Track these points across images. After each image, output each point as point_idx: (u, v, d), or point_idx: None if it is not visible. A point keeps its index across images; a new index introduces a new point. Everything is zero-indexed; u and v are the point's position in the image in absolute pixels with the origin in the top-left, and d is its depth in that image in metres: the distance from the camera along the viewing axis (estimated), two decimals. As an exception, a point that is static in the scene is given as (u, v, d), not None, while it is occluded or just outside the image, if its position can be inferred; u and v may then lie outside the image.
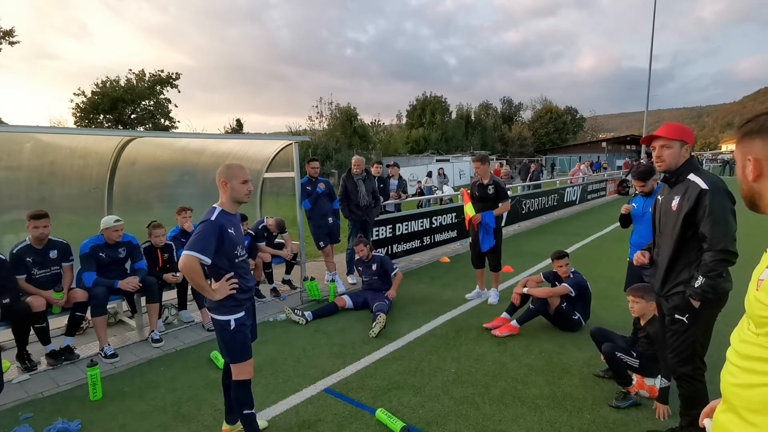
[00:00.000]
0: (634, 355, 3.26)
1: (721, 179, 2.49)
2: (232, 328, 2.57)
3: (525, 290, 4.54)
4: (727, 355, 1.23)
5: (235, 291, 2.57)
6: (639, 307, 3.26)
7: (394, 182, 10.05)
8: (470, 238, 5.60)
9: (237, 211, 2.71)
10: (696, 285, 2.39)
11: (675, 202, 2.53)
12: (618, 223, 4.49)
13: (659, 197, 2.76)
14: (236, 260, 2.61)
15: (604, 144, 47.04)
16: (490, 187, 5.30)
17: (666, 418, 2.96)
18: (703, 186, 2.40)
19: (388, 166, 10.43)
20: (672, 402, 3.07)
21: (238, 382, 2.65)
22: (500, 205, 5.30)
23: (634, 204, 4.16)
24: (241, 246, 2.67)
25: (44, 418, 3.13)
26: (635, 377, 3.26)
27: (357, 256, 5.62)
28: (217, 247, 2.49)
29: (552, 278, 4.65)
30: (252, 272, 5.23)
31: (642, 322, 3.28)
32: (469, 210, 5.41)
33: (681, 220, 2.47)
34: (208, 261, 2.47)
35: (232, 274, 2.58)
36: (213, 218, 2.51)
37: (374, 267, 5.46)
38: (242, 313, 2.62)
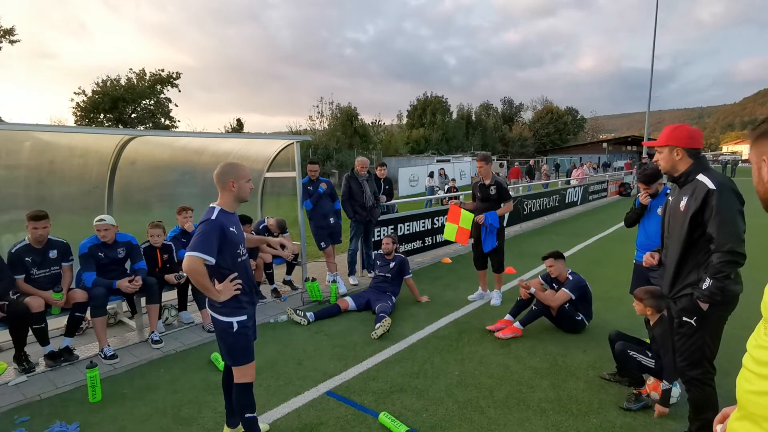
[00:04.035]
0: (650, 355, 3.21)
1: (730, 179, 2.45)
2: (234, 330, 2.53)
3: (533, 291, 4.48)
4: (743, 361, 1.19)
5: (239, 291, 2.53)
6: (638, 309, 3.25)
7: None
8: (473, 239, 5.55)
9: (235, 211, 2.67)
10: (703, 287, 2.35)
11: (683, 203, 2.50)
12: (621, 224, 4.44)
13: (669, 198, 2.73)
14: (239, 259, 2.58)
15: (604, 145, 47.04)
16: (492, 187, 5.26)
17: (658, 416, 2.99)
18: (711, 186, 2.36)
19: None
20: (681, 406, 3.03)
21: (239, 385, 2.60)
22: (503, 205, 5.26)
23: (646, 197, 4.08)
24: (243, 245, 2.64)
25: (42, 421, 3.08)
26: (650, 379, 3.21)
27: (381, 250, 5.67)
28: (219, 247, 2.46)
29: (550, 281, 4.60)
30: (253, 272, 5.19)
31: (651, 323, 3.23)
32: (463, 221, 5.32)
33: (688, 220, 2.44)
34: (212, 261, 2.43)
35: (236, 274, 2.54)
36: (213, 218, 2.48)
37: (392, 265, 5.44)
38: (245, 316, 2.57)
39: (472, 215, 5.33)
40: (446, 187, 15.85)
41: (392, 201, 7.94)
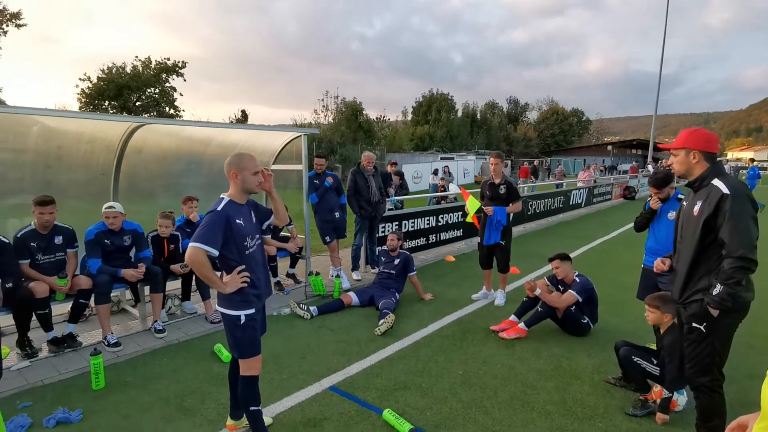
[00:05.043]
0: (655, 362, 3.19)
1: (745, 185, 2.42)
2: (241, 323, 2.51)
3: (538, 292, 4.46)
4: None
5: (246, 284, 2.50)
6: (653, 317, 3.18)
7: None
8: (478, 238, 5.52)
9: (246, 201, 2.63)
10: (714, 293, 2.32)
11: (697, 207, 2.47)
12: (626, 228, 4.42)
13: (684, 202, 2.69)
14: (246, 252, 2.54)
15: (609, 147, 46.87)
16: (501, 186, 5.22)
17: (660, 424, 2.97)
18: (725, 191, 2.33)
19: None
20: (688, 413, 3.01)
21: (245, 378, 2.59)
22: (511, 204, 5.23)
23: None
24: (251, 237, 2.58)
25: (44, 407, 3.08)
26: (657, 386, 3.19)
27: (385, 246, 5.66)
28: (225, 239, 2.43)
29: (555, 282, 4.58)
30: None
31: (661, 331, 3.20)
32: (471, 206, 5.35)
33: (701, 225, 2.41)
34: (215, 253, 2.40)
35: (244, 267, 2.51)
36: (219, 209, 2.45)
37: (396, 262, 5.42)
38: (252, 309, 2.55)
39: (479, 203, 5.31)
40: (434, 186, 15.67)
41: (401, 197, 7.94)
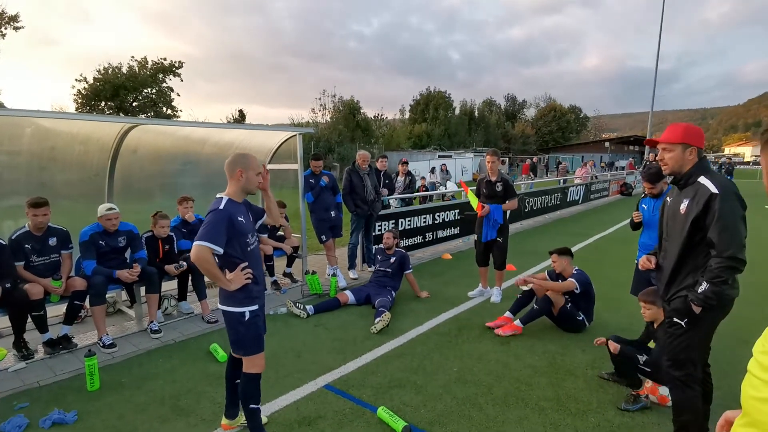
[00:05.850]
0: (646, 357, 3.20)
1: (733, 183, 2.41)
2: (246, 319, 2.53)
3: (530, 286, 4.48)
4: (748, 367, 1.16)
5: (250, 280, 2.53)
6: (650, 313, 3.20)
7: (400, 179, 9.88)
8: (474, 236, 5.54)
9: (242, 201, 2.67)
10: (699, 290, 2.30)
11: (683, 206, 2.44)
12: (622, 224, 4.44)
13: (668, 199, 2.68)
14: (248, 249, 2.59)
15: (607, 144, 46.85)
16: (498, 184, 5.23)
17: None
18: (714, 190, 2.31)
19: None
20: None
21: (248, 375, 2.60)
22: (507, 202, 5.24)
23: (644, 205, 4.09)
24: (251, 234, 2.64)
25: (40, 408, 3.08)
26: (648, 381, 3.21)
27: (381, 244, 5.67)
28: (228, 237, 2.47)
29: (555, 277, 4.60)
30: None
31: (655, 326, 3.22)
32: (472, 198, 5.38)
33: (689, 224, 2.38)
34: (220, 250, 2.44)
35: (247, 263, 2.55)
36: (221, 207, 2.49)
37: (393, 260, 5.44)
38: (256, 306, 2.59)
39: (476, 199, 5.35)
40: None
41: (400, 195, 7.94)
